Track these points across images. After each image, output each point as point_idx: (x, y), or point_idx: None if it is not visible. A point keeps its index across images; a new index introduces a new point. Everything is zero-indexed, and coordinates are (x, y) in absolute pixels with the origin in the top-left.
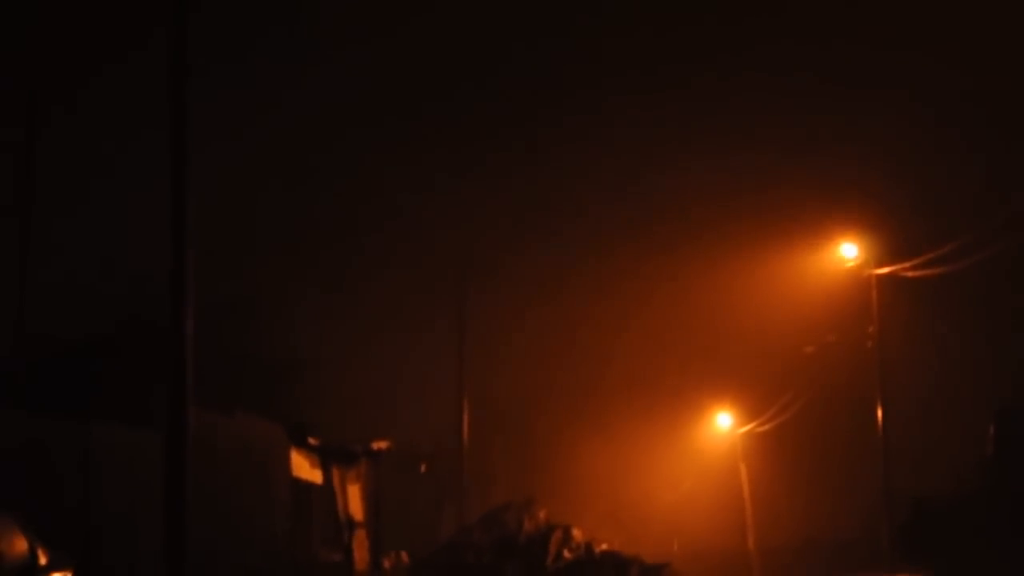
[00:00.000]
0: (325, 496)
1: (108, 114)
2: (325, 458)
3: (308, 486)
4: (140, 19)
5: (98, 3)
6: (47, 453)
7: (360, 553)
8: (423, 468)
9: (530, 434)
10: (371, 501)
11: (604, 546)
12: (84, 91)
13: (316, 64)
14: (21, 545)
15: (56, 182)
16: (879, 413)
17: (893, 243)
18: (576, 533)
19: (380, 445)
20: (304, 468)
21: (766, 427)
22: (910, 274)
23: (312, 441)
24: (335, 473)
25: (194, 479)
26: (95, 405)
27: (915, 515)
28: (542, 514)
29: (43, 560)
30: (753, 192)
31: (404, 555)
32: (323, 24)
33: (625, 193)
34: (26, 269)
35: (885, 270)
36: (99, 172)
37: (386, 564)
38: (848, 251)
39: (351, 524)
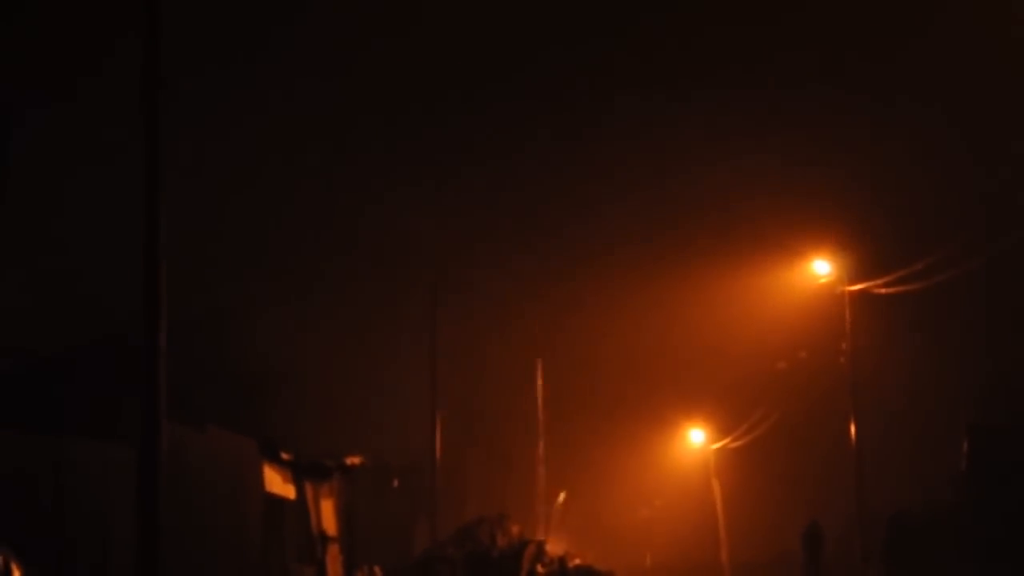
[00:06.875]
0: (298, 511)
1: (80, 124)
2: (298, 473)
3: (281, 501)
4: (114, 29)
5: (72, 13)
6: (19, 467)
7: (333, 568)
8: (396, 483)
9: (503, 449)
10: (344, 516)
11: (577, 560)
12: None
13: (288, 77)
14: None
15: (27, 191)
16: (852, 428)
17: (866, 260)
18: (549, 548)
19: (353, 460)
20: (277, 483)
21: (739, 443)
22: (882, 291)
23: (285, 456)
24: (308, 488)
25: (167, 494)
26: (68, 419)
27: (891, 531)
28: (515, 529)
29: (16, 574)
30: (726, 210)
31: (377, 570)
32: (292, 38)
33: (598, 212)
34: None
35: (858, 287)
36: (72, 182)
37: None
38: (821, 268)
39: (324, 539)
